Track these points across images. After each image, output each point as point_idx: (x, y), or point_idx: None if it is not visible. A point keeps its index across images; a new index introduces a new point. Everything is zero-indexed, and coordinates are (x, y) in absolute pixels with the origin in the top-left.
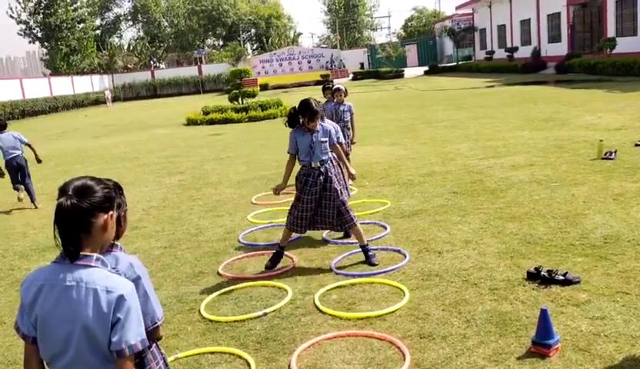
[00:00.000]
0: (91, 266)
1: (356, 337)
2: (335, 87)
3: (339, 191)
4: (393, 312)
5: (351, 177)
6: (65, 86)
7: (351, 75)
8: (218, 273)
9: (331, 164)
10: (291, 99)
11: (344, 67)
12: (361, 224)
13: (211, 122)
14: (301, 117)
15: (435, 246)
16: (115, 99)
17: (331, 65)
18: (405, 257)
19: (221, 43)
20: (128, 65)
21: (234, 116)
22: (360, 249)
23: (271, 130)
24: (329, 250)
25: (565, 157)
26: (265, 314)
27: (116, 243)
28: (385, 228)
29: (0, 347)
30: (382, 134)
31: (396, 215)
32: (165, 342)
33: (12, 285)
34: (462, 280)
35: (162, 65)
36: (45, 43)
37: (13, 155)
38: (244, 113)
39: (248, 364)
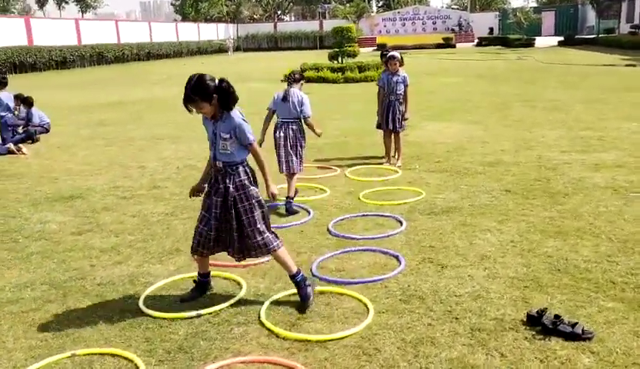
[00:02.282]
0: None
1: (275, 365)
2: (388, 54)
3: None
4: (341, 339)
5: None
6: (191, 32)
7: (476, 40)
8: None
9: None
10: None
11: (470, 31)
12: (378, 216)
13: (306, 81)
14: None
15: (444, 258)
16: (237, 48)
17: (458, 28)
18: (399, 266)
19: None
20: (254, 16)
21: (329, 76)
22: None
23: (360, 93)
24: (327, 243)
25: None
26: (199, 316)
27: None
28: (401, 224)
29: None
30: (470, 109)
31: (424, 210)
32: (76, 332)
33: (2, 234)
34: (445, 310)
35: (287, 18)
36: None
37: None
38: (340, 73)
39: None
